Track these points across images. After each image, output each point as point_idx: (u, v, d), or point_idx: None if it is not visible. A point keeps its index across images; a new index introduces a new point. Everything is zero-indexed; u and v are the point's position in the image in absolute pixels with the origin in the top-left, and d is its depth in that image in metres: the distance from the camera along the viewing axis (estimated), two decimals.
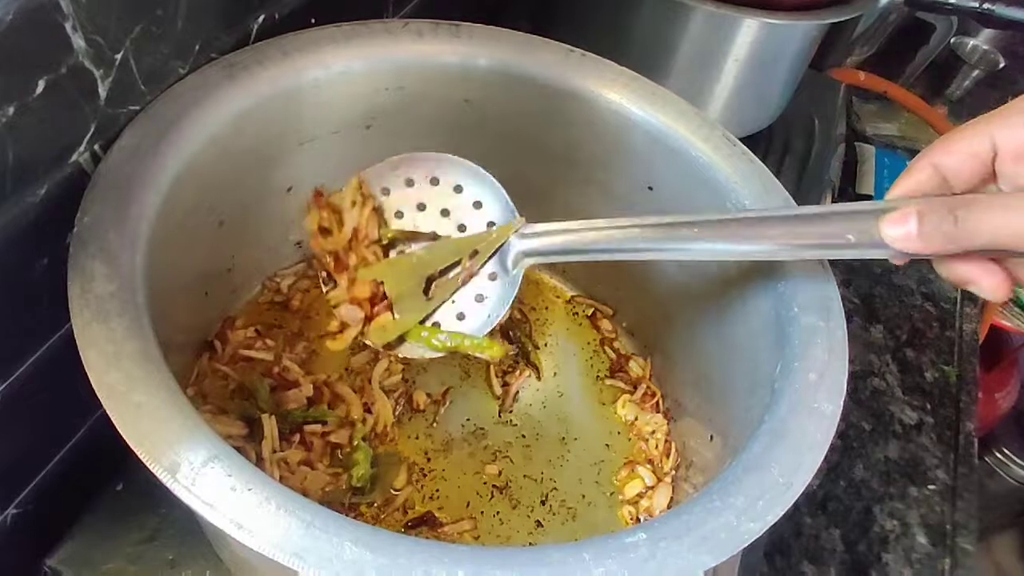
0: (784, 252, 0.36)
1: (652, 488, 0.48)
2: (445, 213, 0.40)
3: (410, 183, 0.41)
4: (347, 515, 0.27)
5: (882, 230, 0.32)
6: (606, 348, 0.56)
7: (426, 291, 0.40)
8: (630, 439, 0.52)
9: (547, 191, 0.54)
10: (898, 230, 0.31)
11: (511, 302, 0.39)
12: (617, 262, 0.39)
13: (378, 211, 0.41)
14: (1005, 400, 1.12)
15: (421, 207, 0.41)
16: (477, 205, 0.40)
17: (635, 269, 0.54)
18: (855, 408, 0.70)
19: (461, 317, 0.40)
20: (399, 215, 0.41)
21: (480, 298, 0.39)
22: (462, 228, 0.40)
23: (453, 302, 0.40)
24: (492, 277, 0.40)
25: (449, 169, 0.40)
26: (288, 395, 0.46)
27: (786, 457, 0.32)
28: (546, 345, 0.56)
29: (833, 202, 0.82)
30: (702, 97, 0.66)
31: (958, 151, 0.31)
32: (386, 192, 0.41)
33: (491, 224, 0.40)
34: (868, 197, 0.90)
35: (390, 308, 0.40)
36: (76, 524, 0.41)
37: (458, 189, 0.40)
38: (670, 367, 0.54)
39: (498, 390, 0.52)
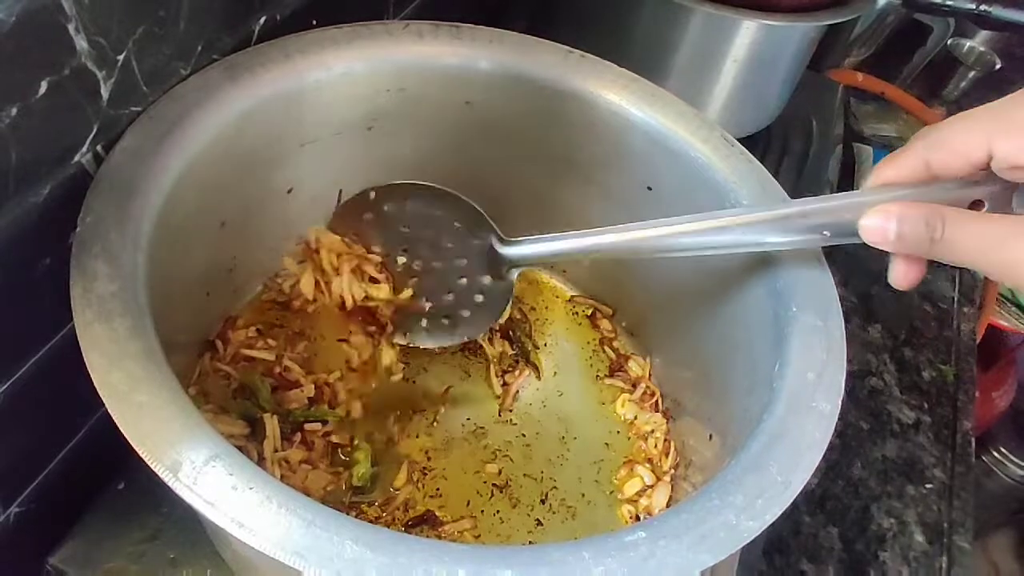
0: (759, 247, 0.37)
1: (651, 487, 0.49)
2: (430, 231, 0.41)
3: (388, 210, 0.41)
4: (348, 514, 0.27)
5: (861, 224, 0.32)
6: (606, 348, 0.56)
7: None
8: (629, 438, 0.52)
9: (547, 191, 0.54)
10: (876, 227, 0.32)
11: (508, 304, 0.40)
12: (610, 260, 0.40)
13: (360, 260, 0.42)
14: (1002, 399, 1.13)
15: (405, 226, 0.41)
16: (457, 222, 0.41)
17: (635, 269, 0.54)
18: (853, 407, 0.70)
19: (464, 318, 0.40)
20: (387, 238, 0.41)
21: (479, 303, 0.40)
22: (449, 247, 0.41)
23: (455, 301, 0.40)
24: (489, 281, 0.40)
25: (421, 193, 0.41)
26: (289, 395, 0.46)
27: (785, 456, 0.32)
28: (546, 345, 0.56)
29: None
30: (701, 98, 0.66)
31: (952, 150, 0.31)
32: (367, 222, 0.41)
33: (476, 241, 0.40)
34: None
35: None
36: (78, 523, 0.41)
37: (435, 208, 0.41)
38: (669, 367, 0.54)
39: (498, 389, 0.52)
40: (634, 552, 0.28)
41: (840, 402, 0.34)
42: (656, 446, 0.51)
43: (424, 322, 0.44)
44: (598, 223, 0.54)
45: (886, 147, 0.99)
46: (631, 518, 0.48)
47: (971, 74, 1.10)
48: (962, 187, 0.32)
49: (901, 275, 0.34)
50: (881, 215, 0.32)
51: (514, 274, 0.41)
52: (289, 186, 0.49)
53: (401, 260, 0.43)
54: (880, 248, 0.32)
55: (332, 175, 0.52)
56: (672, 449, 0.50)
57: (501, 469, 0.49)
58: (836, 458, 0.66)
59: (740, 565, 0.47)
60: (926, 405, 0.72)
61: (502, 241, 0.42)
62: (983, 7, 0.67)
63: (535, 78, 0.48)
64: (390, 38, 0.46)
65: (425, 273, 0.43)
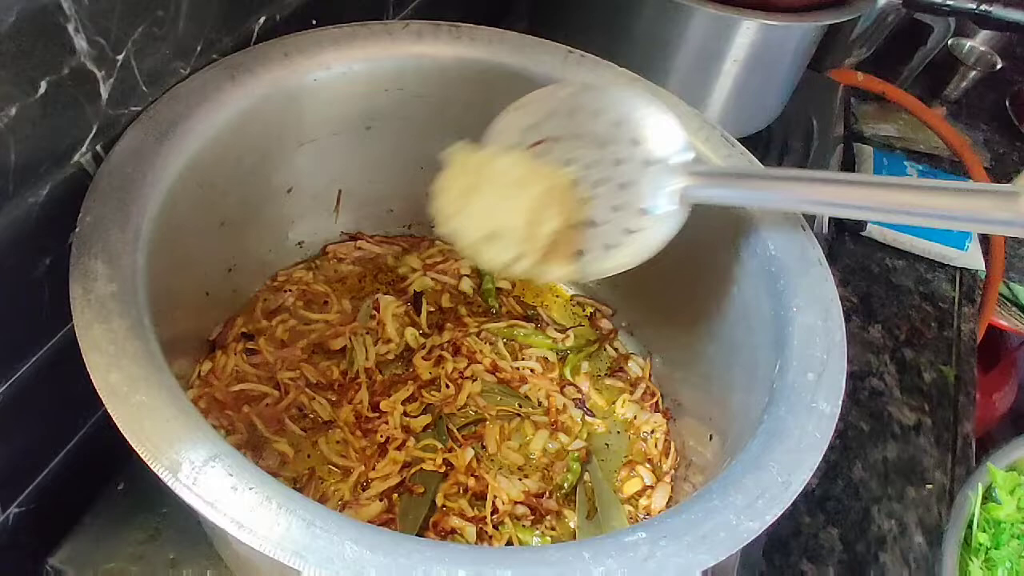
0: (928, 220, 0.36)
1: (651, 487, 0.49)
2: (603, 145, 0.39)
3: (572, 112, 0.39)
4: None
5: None
6: (606, 348, 0.56)
7: None
8: (629, 438, 0.52)
9: None
10: None
11: (665, 238, 0.38)
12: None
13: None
14: (1002, 401, 1.12)
15: (580, 136, 0.39)
16: (634, 142, 0.39)
17: (635, 268, 0.54)
18: (854, 408, 0.70)
19: (607, 248, 0.39)
20: (559, 139, 0.39)
21: (629, 232, 0.39)
22: (618, 162, 0.39)
23: (600, 231, 0.39)
24: (643, 211, 0.39)
25: (614, 102, 0.39)
26: None
27: (785, 457, 0.32)
28: None
29: None
30: (701, 98, 0.66)
31: None
32: (552, 115, 0.40)
33: (648, 162, 0.38)
34: None
35: None
36: (78, 523, 0.41)
37: (617, 124, 0.39)
38: (669, 367, 0.54)
39: None
40: (634, 552, 0.28)
41: (840, 403, 0.34)
42: (656, 446, 0.51)
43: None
44: None
45: (886, 147, 0.99)
46: (631, 518, 0.48)
47: (971, 74, 1.10)
48: None
49: None
50: None
51: (685, 205, 0.38)
52: (289, 185, 0.49)
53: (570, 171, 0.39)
54: None
55: (331, 174, 0.52)
56: (672, 449, 0.50)
57: None
58: (836, 459, 0.66)
59: (740, 565, 0.47)
60: (927, 407, 0.72)
61: (678, 166, 0.39)
62: (983, 7, 0.67)
63: (535, 77, 0.48)
64: (390, 38, 0.46)
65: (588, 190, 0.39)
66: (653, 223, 0.39)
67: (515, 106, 0.40)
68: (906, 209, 0.36)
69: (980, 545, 0.59)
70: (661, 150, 0.39)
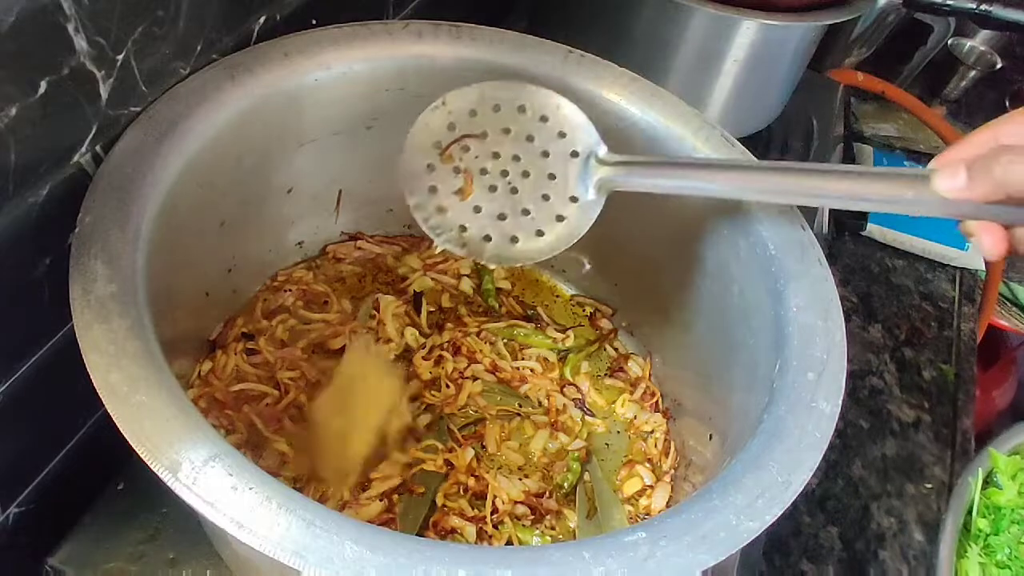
0: (839, 202, 0.38)
1: (651, 487, 0.49)
2: (530, 139, 0.41)
3: (497, 108, 0.41)
4: None
5: (935, 184, 0.33)
6: (606, 347, 0.56)
7: None
8: (629, 438, 0.52)
9: None
10: (949, 183, 0.33)
11: (590, 224, 0.41)
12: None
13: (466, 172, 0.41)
14: (1002, 398, 1.12)
15: (506, 131, 0.41)
16: (561, 135, 0.41)
17: (635, 268, 0.54)
18: (853, 407, 0.70)
19: (540, 234, 0.40)
20: (484, 135, 0.41)
21: (560, 218, 0.40)
22: (545, 154, 0.41)
23: (532, 219, 0.40)
24: (573, 199, 0.41)
25: (536, 98, 0.41)
26: None
27: (785, 456, 0.32)
28: None
29: None
30: (701, 98, 0.66)
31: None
32: (473, 114, 0.41)
33: (574, 153, 0.41)
34: None
35: None
36: (77, 523, 0.41)
37: (544, 119, 0.41)
38: (669, 366, 0.54)
39: None
40: (634, 552, 0.28)
41: (840, 402, 0.34)
42: (656, 446, 0.51)
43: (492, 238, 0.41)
44: (597, 220, 0.54)
45: (886, 147, 0.99)
46: (631, 518, 0.48)
47: (971, 73, 1.10)
48: None
49: (987, 243, 0.34)
50: (950, 172, 0.33)
51: (603, 194, 0.40)
52: (289, 186, 0.49)
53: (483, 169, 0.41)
54: (960, 200, 0.33)
55: (331, 174, 0.52)
56: (672, 449, 0.50)
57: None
58: (836, 458, 0.66)
59: (740, 565, 0.47)
60: (926, 404, 0.72)
61: (599, 158, 0.41)
62: (983, 6, 0.67)
63: (535, 78, 0.48)
64: (390, 38, 0.46)
65: (502, 187, 0.41)
66: (580, 210, 0.40)
67: (433, 106, 0.41)
68: (827, 194, 0.38)
69: (980, 531, 0.58)
70: (582, 143, 0.41)
